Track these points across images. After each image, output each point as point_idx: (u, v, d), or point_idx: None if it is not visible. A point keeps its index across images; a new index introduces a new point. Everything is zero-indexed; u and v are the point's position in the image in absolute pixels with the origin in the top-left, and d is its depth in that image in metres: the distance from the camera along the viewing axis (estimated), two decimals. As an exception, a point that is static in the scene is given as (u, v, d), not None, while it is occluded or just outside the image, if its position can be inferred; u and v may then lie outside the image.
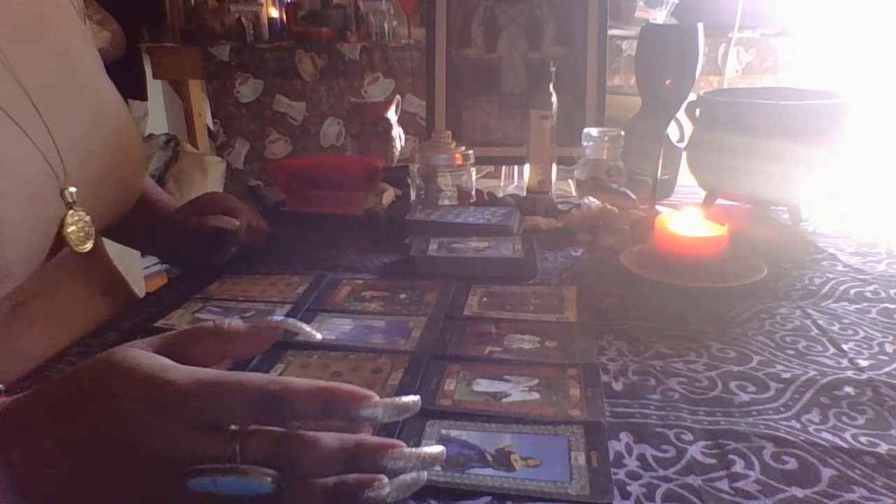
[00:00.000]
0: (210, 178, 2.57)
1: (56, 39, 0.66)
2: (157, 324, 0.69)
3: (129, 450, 0.35)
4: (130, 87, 2.57)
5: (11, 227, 0.54)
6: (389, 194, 1.09)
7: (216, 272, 0.82)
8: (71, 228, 0.61)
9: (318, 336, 0.47)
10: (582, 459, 0.47)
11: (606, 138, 1.05)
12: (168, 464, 0.34)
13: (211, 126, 2.75)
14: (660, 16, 2.36)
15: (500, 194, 1.09)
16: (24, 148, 0.57)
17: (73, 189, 0.61)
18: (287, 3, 2.65)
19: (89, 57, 0.72)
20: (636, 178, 1.07)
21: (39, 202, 0.58)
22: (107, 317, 0.72)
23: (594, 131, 1.06)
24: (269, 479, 0.34)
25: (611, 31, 1.60)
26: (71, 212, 0.61)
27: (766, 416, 0.52)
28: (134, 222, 0.80)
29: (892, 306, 0.71)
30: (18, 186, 0.55)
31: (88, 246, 0.63)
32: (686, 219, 0.79)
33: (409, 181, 1.06)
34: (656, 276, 0.75)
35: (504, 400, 0.55)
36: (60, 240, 0.61)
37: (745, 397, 0.55)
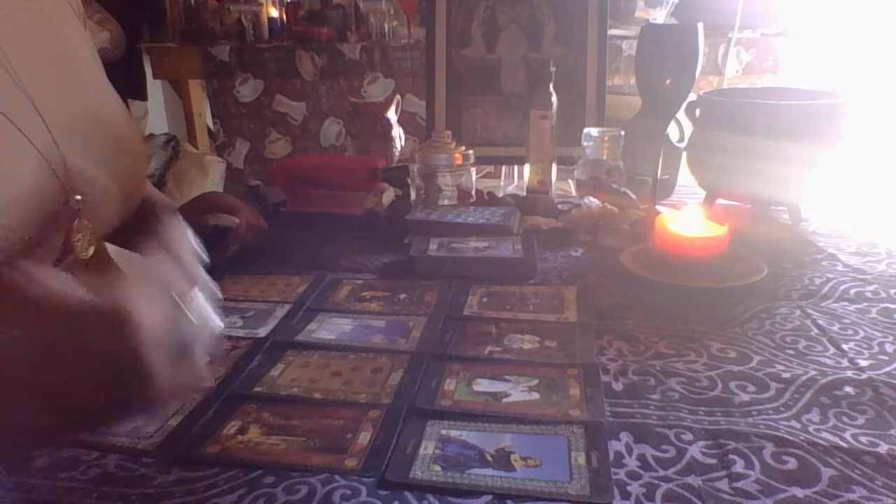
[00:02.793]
0: (210, 178, 2.57)
1: (57, 44, 0.66)
2: (157, 324, 0.69)
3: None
4: (130, 87, 2.56)
5: (19, 235, 0.54)
6: (389, 194, 1.09)
7: (216, 272, 0.82)
8: (77, 235, 0.61)
9: None
10: (582, 459, 0.47)
11: (606, 138, 1.05)
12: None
13: (211, 126, 2.75)
14: (660, 16, 2.36)
15: (500, 194, 1.09)
16: (27, 153, 0.57)
17: (78, 196, 0.61)
18: (287, 3, 2.65)
19: (90, 61, 0.72)
20: (636, 178, 1.07)
21: (46, 210, 0.58)
22: None
23: (594, 131, 1.06)
24: None
25: (611, 31, 1.60)
26: (78, 220, 0.61)
27: (766, 416, 0.52)
28: (133, 224, 0.80)
29: (892, 306, 0.71)
30: (22, 192, 0.55)
31: (91, 251, 0.63)
32: (686, 219, 0.79)
33: (409, 181, 1.06)
34: (656, 276, 0.75)
35: (504, 400, 0.55)
36: (66, 246, 0.60)
37: (745, 397, 0.55)
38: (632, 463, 0.47)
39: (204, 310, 0.41)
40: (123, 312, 0.34)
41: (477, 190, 1.06)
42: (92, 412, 0.35)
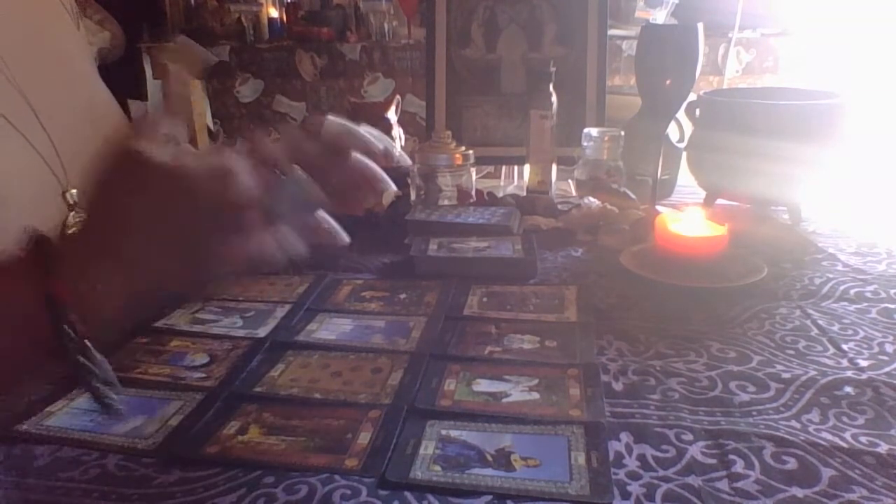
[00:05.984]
0: (210, 178, 2.57)
1: (52, 45, 0.67)
2: (158, 324, 0.69)
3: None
4: (130, 87, 2.56)
5: (15, 231, 0.54)
6: (389, 194, 1.09)
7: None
8: (73, 230, 0.61)
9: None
10: (582, 459, 0.47)
11: (606, 138, 1.05)
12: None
13: (211, 126, 2.75)
14: (660, 16, 2.36)
15: (500, 194, 1.09)
16: (25, 153, 0.57)
17: (74, 191, 0.61)
18: (287, 3, 2.65)
19: (83, 61, 0.73)
20: (636, 178, 1.07)
21: (42, 205, 0.58)
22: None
23: (594, 131, 1.06)
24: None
25: (611, 31, 1.60)
26: (73, 213, 0.61)
27: (766, 416, 0.52)
28: None
29: (892, 306, 0.71)
30: (21, 191, 0.56)
31: None
32: (686, 219, 0.79)
33: (409, 181, 1.06)
34: (656, 276, 0.75)
35: (504, 400, 0.55)
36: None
37: (745, 397, 0.55)
38: (632, 463, 0.47)
39: (299, 185, 0.45)
40: (226, 168, 0.41)
41: (477, 190, 1.06)
42: (210, 256, 0.42)
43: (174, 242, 0.41)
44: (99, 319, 0.40)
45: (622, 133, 1.06)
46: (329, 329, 0.68)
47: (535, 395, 0.55)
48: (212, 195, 0.41)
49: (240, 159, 0.42)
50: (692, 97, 1.06)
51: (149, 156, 0.41)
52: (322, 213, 0.47)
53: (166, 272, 0.42)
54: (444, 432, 0.50)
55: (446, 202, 1.02)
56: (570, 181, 1.16)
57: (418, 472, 0.46)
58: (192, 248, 0.42)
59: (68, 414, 0.54)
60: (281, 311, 0.72)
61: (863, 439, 0.49)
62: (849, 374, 0.58)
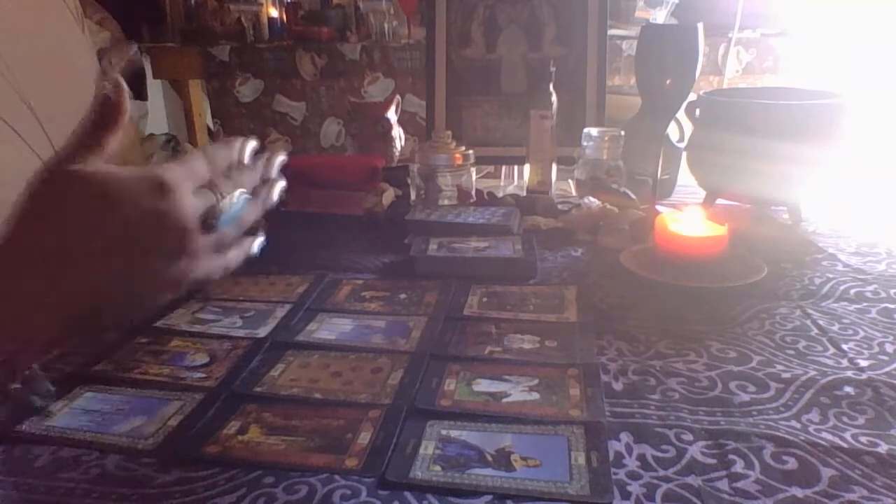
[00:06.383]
0: (210, 178, 2.57)
1: (53, 45, 0.67)
2: (158, 324, 0.69)
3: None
4: (130, 87, 2.56)
5: None
6: (389, 194, 1.09)
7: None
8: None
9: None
10: (582, 459, 0.47)
11: (606, 138, 1.05)
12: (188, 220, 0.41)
13: (211, 126, 2.75)
14: (660, 16, 2.36)
15: (500, 194, 1.09)
16: (23, 156, 0.57)
17: None
18: (287, 3, 2.65)
19: (86, 62, 0.73)
20: (636, 178, 1.07)
21: None
22: None
23: (594, 131, 1.06)
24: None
25: (611, 31, 1.60)
26: None
27: (766, 416, 0.52)
28: None
29: (892, 306, 0.71)
30: (18, 193, 0.56)
31: None
32: (686, 219, 0.79)
33: (409, 181, 1.06)
34: (656, 276, 0.75)
35: (504, 400, 0.55)
36: None
37: (745, 397, 0.55)
38: (632, 463, 0.47)
39: (237, 201, 0.45)
40: (160, 177, 0.40)
41: (477, 190, 1.06)
42: (147, 273, 0.41)
43: (105, 257, 0.40)
44: (32, 340, 0.40)
45: (622, 133, 1.06)
46: (329, 329, 0.68)
47: (535, 395, 0.55)
48: (144, 209, 0.40)
49: (180, 175, 0.42)
50: (692, 97, 1.06)
51: (77, 169, 0.40)
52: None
53: (100, 289, 0.41)
54: (444, 432, 0.50)
55: (446, 202, 1.02)
56: (570, 181, 1.16)
57: (418, 472, 0.46)
58: (125, 264, 0.41)
59: (68, 414, 0.54)
60: (281, 311, 0.72)
61: (863, 439, 0.49)
62: (849, 374, 0.58)
